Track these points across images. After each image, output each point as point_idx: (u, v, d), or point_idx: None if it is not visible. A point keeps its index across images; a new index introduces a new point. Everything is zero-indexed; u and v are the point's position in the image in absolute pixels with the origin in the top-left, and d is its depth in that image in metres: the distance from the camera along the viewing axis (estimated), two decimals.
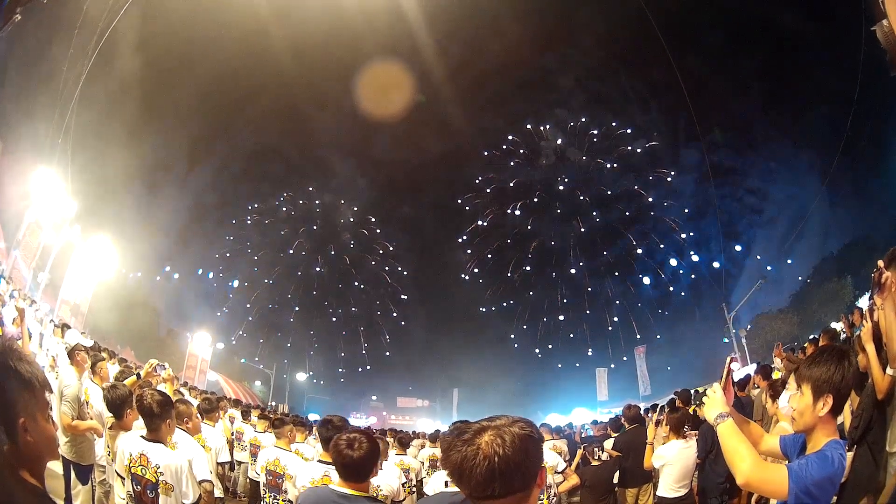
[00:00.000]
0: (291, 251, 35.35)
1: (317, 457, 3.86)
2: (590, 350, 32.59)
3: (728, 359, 2.14)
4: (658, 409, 7.28)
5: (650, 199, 32.20)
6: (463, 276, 36.62)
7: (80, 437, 4.56)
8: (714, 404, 1.89)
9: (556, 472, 5.63)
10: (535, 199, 34.82)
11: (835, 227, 24.14)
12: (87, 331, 15.35)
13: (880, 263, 2.86)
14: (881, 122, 19.30)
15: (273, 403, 26.88)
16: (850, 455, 3.11)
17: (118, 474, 2.86)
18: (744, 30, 23.56)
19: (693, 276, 30.50)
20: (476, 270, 36.79)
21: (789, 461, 1.86)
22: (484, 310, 35.96)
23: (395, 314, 37.06)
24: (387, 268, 37.15)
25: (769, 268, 26.00)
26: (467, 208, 35.71)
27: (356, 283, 37.00)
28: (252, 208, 34.40)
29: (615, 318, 33.39)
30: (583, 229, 34.16)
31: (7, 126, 14.73)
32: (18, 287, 12.71)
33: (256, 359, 31.40)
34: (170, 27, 19.81)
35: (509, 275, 36.61)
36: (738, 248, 28.30)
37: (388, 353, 35.83)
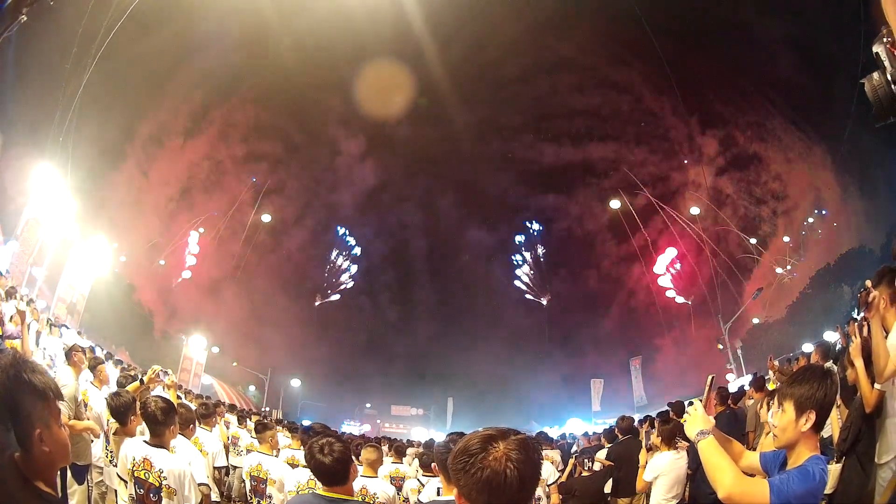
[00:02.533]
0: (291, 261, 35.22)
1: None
2: (585, 361, 32.47)
3: (709, 378, 2.19)
4: (649, 422, 7.29)
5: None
6: (463, 280, 36.71)
7: (77, 436, 4.58)
8: (695, 421, 1.94)
9: (547, 485, 5.66)
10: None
11: (832, 237, 24.27)
12: (82, 330, 15.30)
13: (868, 283, 2.96)
14: (887, 130, 19.12)
15: (267, 408, 26.65)
16: (838, 466, 3.22)
17: (120, 478, 2.90)
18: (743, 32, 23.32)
19: (689, 285, 30.52)
20: (475, 280, 36.90)
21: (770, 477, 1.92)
22: (482, 319, 35.96)
23: (392, 320, 36.94)
24: (386, 271, 37.16)
25: (763, 280, 26.03)
26: (470, 219, 35.65)
27: (353, 283, 36.87)
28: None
29: (611, 329, 33.29)
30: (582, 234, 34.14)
31: (10, 122, 14.85)
32: (16, 283, 12.67)
33: (250, 363, 31.17)
34: (173, 29, 19.89)
35: (507, 283, 36.73)
36: (733, 256, 28.34)
37: (383, 360, 35.60)
